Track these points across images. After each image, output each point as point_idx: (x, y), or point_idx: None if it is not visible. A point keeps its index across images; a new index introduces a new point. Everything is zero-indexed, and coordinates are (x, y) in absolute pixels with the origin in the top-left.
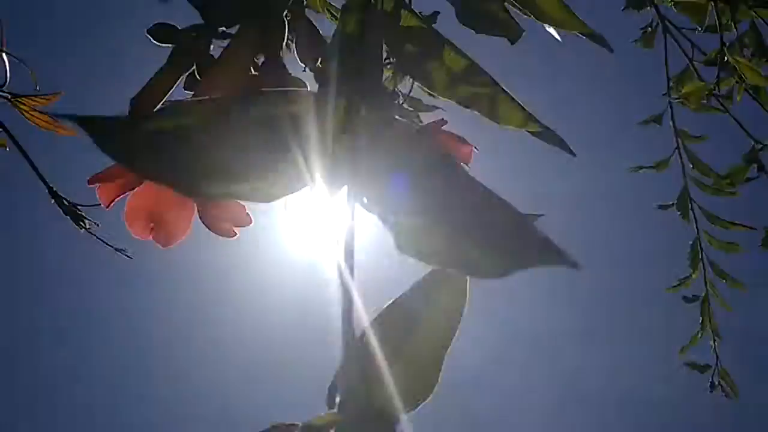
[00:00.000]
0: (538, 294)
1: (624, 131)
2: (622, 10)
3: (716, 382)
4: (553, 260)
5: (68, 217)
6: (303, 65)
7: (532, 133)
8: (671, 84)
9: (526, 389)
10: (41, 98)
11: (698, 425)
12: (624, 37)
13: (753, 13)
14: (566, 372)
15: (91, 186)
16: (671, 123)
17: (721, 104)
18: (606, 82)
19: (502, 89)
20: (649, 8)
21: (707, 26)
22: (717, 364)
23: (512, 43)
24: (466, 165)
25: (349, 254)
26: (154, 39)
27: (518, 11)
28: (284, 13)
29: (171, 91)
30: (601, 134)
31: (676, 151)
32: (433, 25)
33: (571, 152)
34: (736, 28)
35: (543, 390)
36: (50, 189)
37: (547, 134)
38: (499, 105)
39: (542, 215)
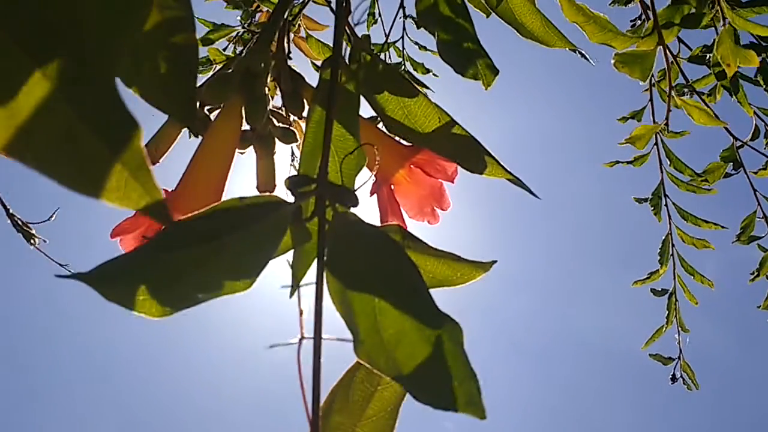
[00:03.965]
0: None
1: (605, 126)
2: (609, 5)
3: (678, 375)
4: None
5: (20, 234)
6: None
7: (505, 179)
8: (655, 80)
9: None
10: None
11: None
12: None
13: (731, 14)
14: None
15: (114, 239)
16: (651, 119)
17: (703, 101)
18: (589, 77)
19: (477, 142)
20: (633, 3)
21: (690, 24)
22: (680, 356)
23: (486, 88)
24: (451, 182)
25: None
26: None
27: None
28: (264, 89)
29: (174, 142)
30: (582, 129)
31: (655, 147)
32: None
33: (535, 196)
34: (716, 27)
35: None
36: (6, 209)
37: (516, 181)
38: (473, 156)
39: (495, 261)
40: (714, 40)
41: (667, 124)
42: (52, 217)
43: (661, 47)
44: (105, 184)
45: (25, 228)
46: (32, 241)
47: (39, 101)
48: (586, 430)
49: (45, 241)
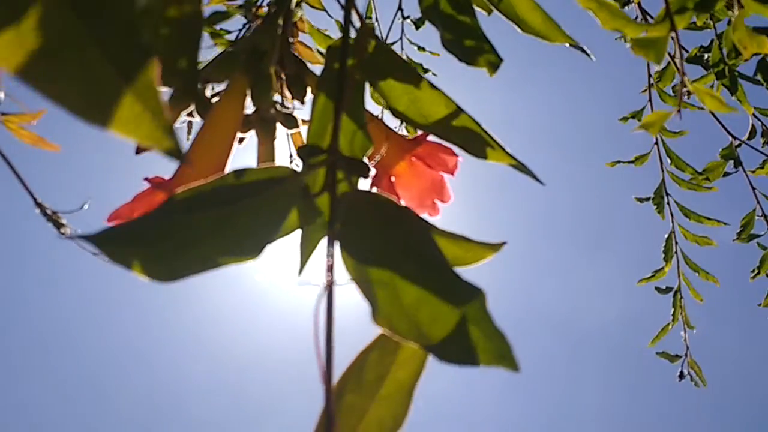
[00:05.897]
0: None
1: (605, 126)
2: None
3: (685, 372)
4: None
5: (50, 223)
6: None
7: (510, 164)
8: (653, 80)
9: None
10: (28, 116)
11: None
12: (606, 34)
13: (730, 13)
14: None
15: (110, 223)
16: None
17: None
18: (588, 78)
19: (481, 128)
20: (631, 4)
21: (704, 8)
22: (687, 354)
23: (491, 75)
24: (452, 175)
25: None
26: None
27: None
28: (271, 69)
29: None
30: (583, 129)
31: (655, 146)
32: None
33: (539, 181)
34: (714, 27)
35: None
36: (34, 199)
37: (520, 166)
38: (476, 142)
39: (505, 243)
40: (711, 41)
41: (679, 111)
42: (83, 206)
43: (673, 34)
44: (115, 113)
45: (54, 218)
46: (62, 230)
47: (52, 22)
48: (558, 412)
49: (76, 231)
